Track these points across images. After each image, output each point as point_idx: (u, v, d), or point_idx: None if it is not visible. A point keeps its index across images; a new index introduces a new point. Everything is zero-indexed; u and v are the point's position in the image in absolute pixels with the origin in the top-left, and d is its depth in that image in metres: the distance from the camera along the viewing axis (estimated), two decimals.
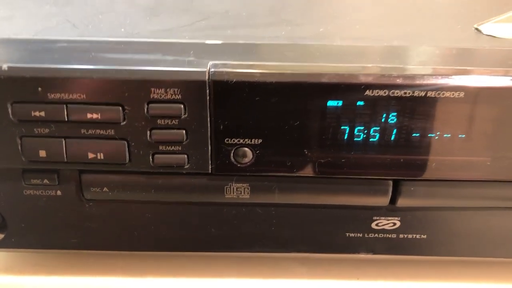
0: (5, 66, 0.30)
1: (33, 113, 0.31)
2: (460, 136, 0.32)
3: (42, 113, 0.31)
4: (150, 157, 0.32)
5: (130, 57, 0.32)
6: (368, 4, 0.43)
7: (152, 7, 0.40)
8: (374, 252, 0.37)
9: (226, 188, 0.34)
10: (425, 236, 0.37)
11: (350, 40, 0.35)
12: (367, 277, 0.39)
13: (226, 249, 0.37)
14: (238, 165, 0.33)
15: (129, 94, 0.31)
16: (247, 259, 0.40)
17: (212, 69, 0.31)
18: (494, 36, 0.36)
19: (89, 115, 0.31)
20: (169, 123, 0.31)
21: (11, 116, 0.31)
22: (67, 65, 0.30)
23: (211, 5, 0.41)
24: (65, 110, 0.31)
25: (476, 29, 0.38)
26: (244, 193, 0.35)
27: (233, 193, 0.35)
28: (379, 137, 0.33)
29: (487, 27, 0.38)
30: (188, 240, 0.37)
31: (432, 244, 0.37)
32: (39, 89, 0.30)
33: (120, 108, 0.31)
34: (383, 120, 0.32)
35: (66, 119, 0.31)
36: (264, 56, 0.32)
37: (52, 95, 0.31)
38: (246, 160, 0.33)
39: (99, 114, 0.31)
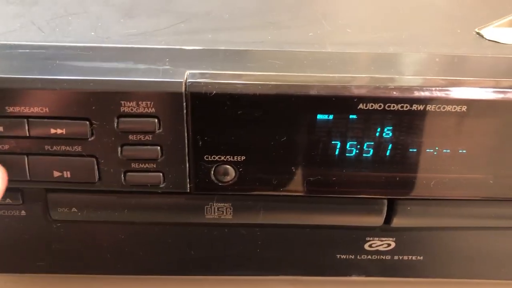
0: None
1: None
2: (460, 151, 0.30)
3: (1, 128, 0.28)
4: (122, 175, 0.29)
5: (98, 65, 0.29)
6: (362, 6, 0.40)
7: (127, 8, 0.37)
8: (367, 275, 0.35)
9: (207, 208, 0.32)
10: (421, 258, 0.35)
11: (342, 46, 0.32)
12: None
13: (208, 272, 0.35)
14: (219, 184, 0.30)
15: (97, 108, 0.28)
16: (231, 281, 0.37)
17: (190, 80, 0.28)
18: (497, 42, 0.34)
19: (53, 130, 0.28)
20: (142, 138, 0.28)
21: None
22: (27, 75, 0.27)
23: (192, 6, 0.38)
24: (26, 125, 0.28)
25: (477, 33, 0.35)
26: (226, 213, 0.32)
27: (214, 213, 0.32)
28: (373, 152, 0.30)
29: (489, 32, 0.35)
30: (166, 263, 0.34)
31: (429, 265, 0.35)
32: None
33: (88, 122, 0.28)
34: (377, 134, 0.29)
35: (28, 135, 0.28)
36: (247, 64, 0.29)
37: (11, 109, 0.28)
38: (228, 178, 0.30)
39: (64, 129, 0.28)
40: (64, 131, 0.28)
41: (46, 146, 0.29)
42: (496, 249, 0.34)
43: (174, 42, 0.32)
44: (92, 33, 0.33)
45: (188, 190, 0.30)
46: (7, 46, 0.30)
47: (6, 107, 0.27)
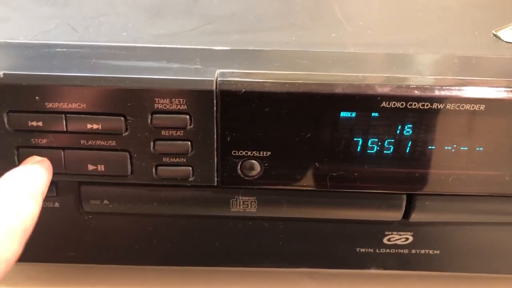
0: (0, 73, 0.28)
1: (30, 123, 0.29)
2: (478, 149, 0.31)
3: (40, 123, 0.29)
4: (153, 169, 0.31)
5: (133, 64, 0.30)
6: (381, 8, 0.41)
7: (155, 9, 0.38)
8: (385, 268, 0.36)
9: (232, 201, 0.33)
10: (438, 252, 0.36)
11: (364, 47, 0.33)
12: None
13: (232, 264, 0.36)
14: (245, 178, 0.31)
15: (132, 104, 0.29)
16: (253, 273, 0.39)
17: (220, 78, 0.29)
18: None
19: (89, 126, 0.30)
20: (174, 134, 0.30)
21: (7, 125, 0.29)
22: (66, 73, 0.29)
23: (217, 7, 0.40)
24: (64, 120, 0.29)
25: (495, 35, 0.36)
26: (251, 206, 0.33)
27: (240, 207, 0.33)
28: (393, 149, 0.31)
29: (506, 33, 0.36)
30: (192, 254, 0.36)
31: (446, 259, 0.36)
32: (37, 98, 0.29)
33: (123, 118, 0.29)
34: (398, 132, 0.31)
35: (65, 130, 0.30)
36: (274, 64, 0.31)
37: (50, 105, 0.29)
38: (254, 173, 0.31)
39: (100, 124, 0.29)
40: (100, 127, 0.29)
41: (82, 141, 0.30)
42: (510, 244, 0.35)
43: (203, 42, 0.33)
44: (124, 34, 0.34)
45: (215, 184, 0.32)
46: (45, 45, 0.32)
47: (46, 103, 0.29)
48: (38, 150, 0.30)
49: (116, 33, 0.34)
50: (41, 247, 0.35)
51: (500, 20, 0.38)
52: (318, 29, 0.37)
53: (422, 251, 0.36)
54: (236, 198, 0.33)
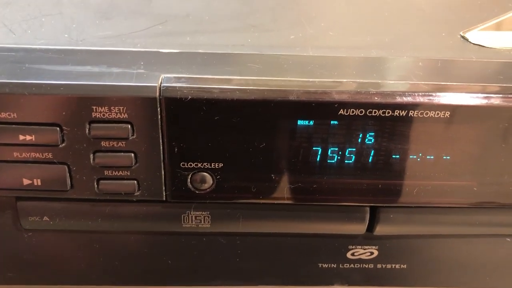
0: None
1: None
2: (444, 158, 0.29)
3: None
4: (95, 183, 0.28)
5: (70, 69, 0.28)
6: (345, 9, 0.39)
7: (104, 9, 0.36)
8: (350, 284, 0.34)
9: (184, 216, 0.31)
10: (405, 266, 0.34)
11: (324, 50, 0.31)
12: None
13: (185, 282, 0.34)
14: (197, 192, 0.29)
15: (67, 113, 0.27)
16: None
17: (164, 84, 0.27)
18: (482, 46, 0.33)
19: (21, 137, 0.27)
20: (115, 145, 0.27)
21: None
22: None
23: (172, 7, 0.37)
24: None
25: (462, 37, 0.34)
26: (204, 222, 0.31)
27: (192, 222, 0.31)
28: (355, 159, 0.29)
29: (474, 35, 0.34)
30: (142, 273, 0.33)
31: (413, 274, 0.34)
32: None
33: (58, 128, 0.27)
34: (359, 140, 0.29)
35: None
36: (225, 68, 0.28)
37: None
38: (206, 186, 0.29)
39: (33, 135, 0.27)
40: (33, 138, 0.27)
41: (15, 153, 0.28)
42: (480, 257, 0.34)
43: (150, 44, 0.31)
44: (66, 35, 0.31)
45: (164, 199, 0.29)
46: None
47: None
48: None
49: (56, 35, 0.32)
50: None
51: (469, 21, 0.37)
52: (277, 31, 0.34)
53: (388, 266, 0.34)
54: (188, 213, 0.31)
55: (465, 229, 0.33)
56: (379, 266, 0.34)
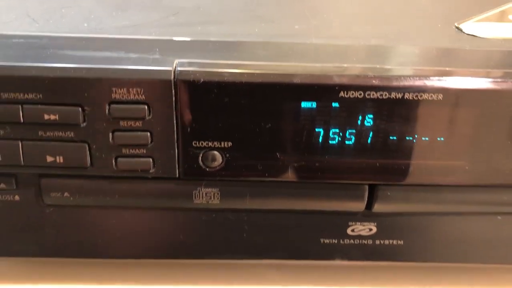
0: None
1: None
2: (438, 139, 0.31)
3: None
4: (113, 160, 0.31)
5: (91, 54, 0.30)
6: (347, 2, 0.42)
7: (119, 2, 0.38)
8: (350, 259, 0.36)
9: (195, 193, 0.33)
10: (402, 242, 0.36)
11: (326, 39, 0.33)
12: (343, 284, 0.38)
13: (195, 256, 0.36)
14: (207, 170, 0.31)
15: (89, 94, 0.29)
16: (219, 265, 0.38)
17: (179, 68, 0.29)
18: (476, 36, 0.35)
19: (46, 116, 0.29)
20: (133, 125, 0.30)
21: None
22: (21, 63, 0.28)
23: (182, 0, 0.39)
24: (21, 111, 0.29)
25: (457, 28, 0.36)
26: (214, 198, 0.33)
27: (202, 199, 0.33)
28: (355, 140, 0.31)
29: (468, 26, 0.37)
30: (155, 247, 0.35)
31: (409, 250, 0.36)
32: None
33: (80, 109, 0.29)
34: (359, 122, 0.31)
35: (22, 121, 0.29)
36: (234, 54, 0.31)
37: (6, 95, 0.29)
38: (216, 164, 0.31)
39: (57, 115, 0.29)
40: (57, 117, 0.29)
41: (40, 132, 0.30)
42: (474, 234, 0.36)
43: (164, 33, 0.33)
44: (85, 25, 0.34)
45: (177, 176, 0.31)
46: (3, 36, 0.31)
47: (1, 94, 0.29)
48: None
49: (76, 24, 0.34)
50: (2, 241, 0.34)
51: (464, 14, 0.39)
52: (282, 22, 0.37)
53: (386, 242, 0.36)
54: (199, 190, 0.33)
55: (459, 207, 0.34)
56: (377, 242, 0.36)
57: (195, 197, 0.33)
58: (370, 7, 0.41)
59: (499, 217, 0.35)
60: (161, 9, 0.37)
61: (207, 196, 0.33)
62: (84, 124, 0.29)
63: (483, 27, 0.37)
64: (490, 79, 0.30)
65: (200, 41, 0.32)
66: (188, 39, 0.32)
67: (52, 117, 0.29)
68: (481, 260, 0.37)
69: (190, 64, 0.29)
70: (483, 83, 0.30)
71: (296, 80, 0.29)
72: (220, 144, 0.31)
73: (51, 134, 0.30)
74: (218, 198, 0.33)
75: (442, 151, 0.31)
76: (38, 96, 0.29)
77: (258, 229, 0.35)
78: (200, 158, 0.31)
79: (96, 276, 0.37)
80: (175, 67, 0.29)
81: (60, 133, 0.30)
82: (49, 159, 0.31)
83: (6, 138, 0.30)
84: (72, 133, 0.30)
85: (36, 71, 0.28)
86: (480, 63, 0.32)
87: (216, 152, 0.31)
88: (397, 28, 0.36)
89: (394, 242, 0.36)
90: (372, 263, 0.36)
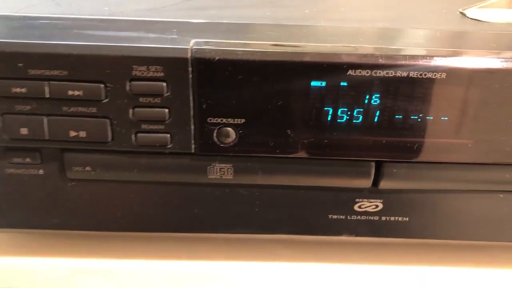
0: None
1: (13, 90, 0.31)
2: (442, 118, 0.33)
3: (23, 90, 0.31)
4: (133, 135, 0.32)
5: (112, 34, 0.32)
6: None
7: None
8: (357, 234, 0.38)
9: (209, 168, 0.34)
10: (407, 219, 0.37)
11: (335, 22, 0.35)
12: (350, 261, 0.39)
13: (209, 230, 0.37)
14: (221, 145, 0.33)
15: (110, 71, 0.30)
16: (230, 241, 0.40)
17: (195, 47, 0.30)
18: (478, 20, 0.37)
19: (70, 92, 0.31)
20: (152, 101, 0.31)
21: None
22: (48, 41, 0.30)
23: None
24: (47, 87, 0.31)
25: (461, 13, 0.38)
26: (227, 173, 0.35)
27: (217, 174, 0.35)
28: (362, 118, 0.33)
29: (472, 12, 0.38)
30: (171, 220, 0.37)
31: (414, 226, 0.37)
32: (20, 65, 0.30)
33: (102, 85, 0.31)
34: (366, 101, 0.32)
35: (48, 96, 0.31)
36: (247, 35, 0.32)
37: (33, 72, 0.30)
38: (229, 140, 0.33)
39: (81, 91, 0.31)
40: (81, 93, 0.31)
41: (64, 107, 0.32)
42: (476, 211, 0.37)
43: (181, 16, 0.35)
44: (106, 8, 0.36)
45: (193, 151, 0.33)
46: (28, 17, 0.33)
47: (29, 70, 0.30)
48: (22, 116, 0.32)
49: (98, 7, 0.36)
50: (26, 214, 0.36)
51: (469, 1, 0.40)
52: (293, 6, 0.38)
53: (392, 218, 0.37)
54: (213, 165, 0.34)
55: (462, 185, 0.36)
56: (383, 218, 0.37)
57: (209, 172, 0.35)
58: None
59: (500, 195, 0.36)
60: None
61: (221, 172, 0.35)
62: (106, 100, 0.31)
63: (487, 13, 0.38)
64: (493, 59, 0.31)
65: (215, 23, 0.34)
66: (203, 21, 0.34)
67: (76, 93, 0.31)
68: (484, 237, 0.38)
69: (205, 43, 0.31)
70: (485, 62, 0.31)
71: (306, 59, 0.31)
72: (234, 120, 0.32)
73: (75, 109, 0.32)
74: (231, 174, 0.35)
75: (446, 130, 0.33)
76: (63, 73, 0.30)
77: (269, 204, 0.36)
78: (214, 134, 0.33)
79: (114, 249, 0.39)
80: (192, 46, 0.30)
81: (83, 109, 0.32)
82: (72, 133, 0.32)
83: (32, 114, 0.32)
84: (94, 109, 0.32)
85: (62, 49, 0.30)
86: (482, 44, 0.33)
87: (229, 129, 0.33)
88: (403, 13, 0.38)
89: (400, 218, 0.37)
90: (378, 239, 0.38)
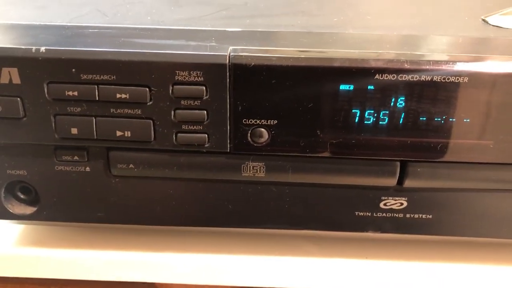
0: (42, 49, 0.33)
1: (66, 93, 0.34)
2: (465, 120, 0.34)
3: (75, 93, 0.34)
4: (174, 135, 0.35)
5: (156, 42, 0.34)
6: None
7: None
8: (382, 231, 0.39)
9: (243, 166, 0.37)
10: (430, 216, 0.39)
11: (362, 29, 0.37)
12: (375, 257, 0.41)
13: (241, 225, 0.40)
14: (255, 145, 0.35)
15: (155, 76, 0.33)
16: (260, 236, 0.42)
17: (232, 53, 0.33)
18: (500, 27, 0.38)
19: (118, 95, 0.34)
20: (192, 103, 0.34)
21: (46, 95, 0.34)
22: (99, 48, 0.33)
23: None
24: (97, 90, 0.34)
25: (483, 20, 0.39)
26: (259, 172, 0.37)
27: (250, 172, 0.37)
28: (388, 120, 0.35)
29: (494, 19, 0.40)
30: (206, 215, 0.39)
31: (437, 224, 0.39)
32: (73, 70, 0.33)
33: (147, 89, 0.33)
34: (392, 104, 0.34)
35: (97, 99, 0.34)
36: (280, 42, 0.35)
37: (85, 76, 0.33)
38: (262, 140, 0.35)
39: (128, 94, 0.34)
40: (127, 96, 0.34)
41: (111, 109, 0.34)
42: (498, 210, 0.38)
43: (217, 25, 0.37)
44: (148, 18, 0.38)
45: (228, 150, 0.36)
46: (79, 27, 0.36)
47: (81, 75, 0.33)
48: (73, 117, 0.35)
49: (141, 17, 0.39)
50: (73, 209, 0.39)
51: (491, 9, 0.42)
52: (322, 15, 0.41)
53: (416, 216, 0.39)
54: (247, 163, 0.37)
55: (483, 184, 0.37)
56: (408, 216, 0.39)
57: (243, 170, 0.37)
58: (402, 2, 0.44)
59: None
60: (212, 5, 0.42)
61: (254, 170, 0.37)
62: (150, 102, 0.34)
63: (508, 20, 0.40)
64: None
65: (250, 31, 0.36)
66: (239, 29, 0.36)
67: (123, 96, 0.34)
68: (505, 235, 0.39)
69: (242, 50, 0.33)
70: (506, 67, 0.33)
71: (336, 64, 0.33)
72: (267, 121, 0.35)
73: (121, 111, 0.34)
74: (263, 172, 0.37)
75: (468, 131, 0.35)
76: (112, 77, 0.33)
77: (298, 201, 0.39)
78: (249, 134, 0.35)
79: (153, 242, 0.42)
80: (230, 53, 0.33)
81: (129, 111, 0.34)
82: (118, 133, 0.35)
83: (82, 115, 0.35)
84: (139, 111, 0.34)
85: (111, 56, 0.33)
86: (504, 49, 0.35)
87: (263, 129, 0.35)
88: (427, 20, 0.40)
89: (423, 216, 0.39)
90: (402, 235, 0.40)
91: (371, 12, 0.41)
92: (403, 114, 0.34)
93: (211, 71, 0.33)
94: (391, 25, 0.38)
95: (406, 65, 0.33)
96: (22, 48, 0.33)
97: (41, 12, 0.39)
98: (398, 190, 0.38)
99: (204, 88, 0.33)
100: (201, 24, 0.37)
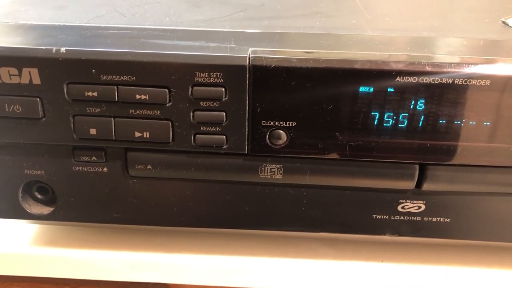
0: (63, 49, 0.33)
1: (86, 93, 0.34)
2: (485, 123, 0.34)
3: (95, 94, 0.34)
4: (192, 137, 0.35)
5: (176, 43, 0.34)
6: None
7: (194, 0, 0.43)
8: (400, 234, 0.39)
9: (261, 168, 0.37)
10: (448, 220, 0.39)
11: (381, 31, 0.37)
12: (391, 260, 0.41)
13: (258, 227, 0.40)
14: (273, 147, 0.35)
15: (175, 77, 0.33)
16: (276, 238, 0.42)
17: (252, 55, 0.33)
18: None
19: (137, 96, 0.34)
20: (211, 105, 0.34)
21: (66, 95, 0.34)
22: (118, 49, 0.33)
23: None
24: (116, 91, 0.34)
25: (503, 22, 0.39)
26: (277, 173, 0.37)
27: (267, 174, 0.37)
28: (407, 123, 0.34)
29: None
30: (223, 217, 0.39)
31: (455, 227, 0.39)
32: (93, 70, 0.33)
33: (166, 90, 0.33)
34: (411, 106, 0.34)
35: (116, 100, 0.34)
36: (300, 44, 0.35)
37: (105, 77, 0.33)
38: (281, 142, 0.35)
39: (147, 95, 0.34)
40: (147, 97, 0.34)
41: (130, 110, 0.34)
42: None
43: (236, 26, 0.37)
44: (167, 19, 0.38)
45: (246, 152, 0.36)
46: (98, 27, 0.36)
47: (101, 76, 0.33)
48: (92, 118, 0.35)
49: (159, 18, 0.39)
50: (90, 209, 0.39)
51: (510, 11, 0.42)
52: (340, 16, 0.40)
53: (434, 219, 0.39)
54: (264, 165, 0.37)
55: (503, 188, 0.37)
56: (425, 219, 0.39)
57: (260, 172, 0.37)
58: (420, 4, 0.44)
59: None
60: (231, 6, 0.42)
61: (272, 172, 0.37)
62: (170, 104, 0.34)
63: None
64: None
65: (268, 32, 0.36)
66: (258, 31, 0.36)
67: (143, 97, 0.34)
68: None
69: (262, 51, 0.33)
70: None
71: (355, 66, 0.33)
72: (286, 123, 0.35)
73: (140, 112, 0.34)
74: (281, 174, 0.37)
75: (488, 134, 0.34)
76: (131, 78, 0.33)
77: (315, 204, 0.38)
78: (267, 136, 0.35)
79: (169, 243, 0.42)
80: (250, 54, 0.33)
81: (148, 112, 0.34)
82: (137, 134, 0.35)
83: (101, 115, 0.35)
84: (158, 112, 0.34)
85: (131, 56, 0.33)
86: None
87: (281, 131, 0.35)
88: (446, 23, 0.40)
89: (441, 219, 0.39)
90: (420, 239, 0.39)
91: (389, 13, 0.41)
92: (422, 116, 0.34)
93: (231, 72, 0.33)
94: (410, 27, 0.38)
95: (427, 68, 0.32)
96: (43, 49, 0.33)
97: (59, 12, 0.39)
98: (416, 193, 0.38)
99: (223, 89, 0.33)
100: (219, 25, 0.37)
